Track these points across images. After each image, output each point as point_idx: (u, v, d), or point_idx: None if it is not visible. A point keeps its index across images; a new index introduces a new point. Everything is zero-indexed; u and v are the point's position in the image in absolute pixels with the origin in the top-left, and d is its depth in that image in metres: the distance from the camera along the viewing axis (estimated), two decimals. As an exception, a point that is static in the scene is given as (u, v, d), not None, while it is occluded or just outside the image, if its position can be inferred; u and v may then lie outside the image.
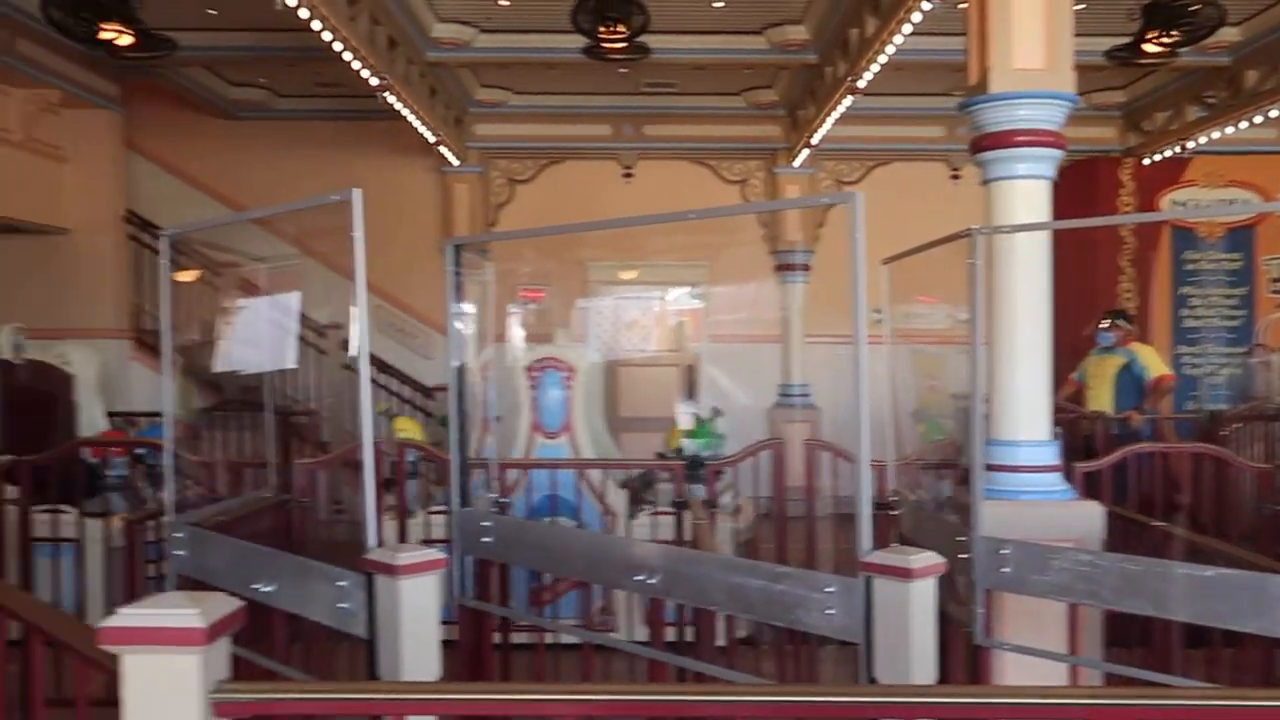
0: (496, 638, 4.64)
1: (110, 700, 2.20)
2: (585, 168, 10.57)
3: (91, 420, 6.86)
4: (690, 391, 10.52)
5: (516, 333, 10.51)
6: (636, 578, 3.32)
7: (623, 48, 6.77)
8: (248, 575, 3.25)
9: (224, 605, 1.63)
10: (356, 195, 2.87)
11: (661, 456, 6.17)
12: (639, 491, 5.88)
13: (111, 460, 6.00)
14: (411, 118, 8.23)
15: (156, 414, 8.50)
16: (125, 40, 6.19)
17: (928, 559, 2.72)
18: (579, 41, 7.09)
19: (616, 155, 10.49)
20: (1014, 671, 3.86)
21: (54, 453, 5.48)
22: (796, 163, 10.12)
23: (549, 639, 4.78)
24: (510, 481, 5.50)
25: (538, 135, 10.28)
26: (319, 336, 9.44)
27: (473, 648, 4.47)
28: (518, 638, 4.86)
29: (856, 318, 2.71)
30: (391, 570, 2.74)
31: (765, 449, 5.64)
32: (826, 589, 2.81)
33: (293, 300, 4.67)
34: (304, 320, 7.74)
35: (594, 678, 4.53)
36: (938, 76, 8.45)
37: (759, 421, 9.99)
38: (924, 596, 2.69)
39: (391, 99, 7.52)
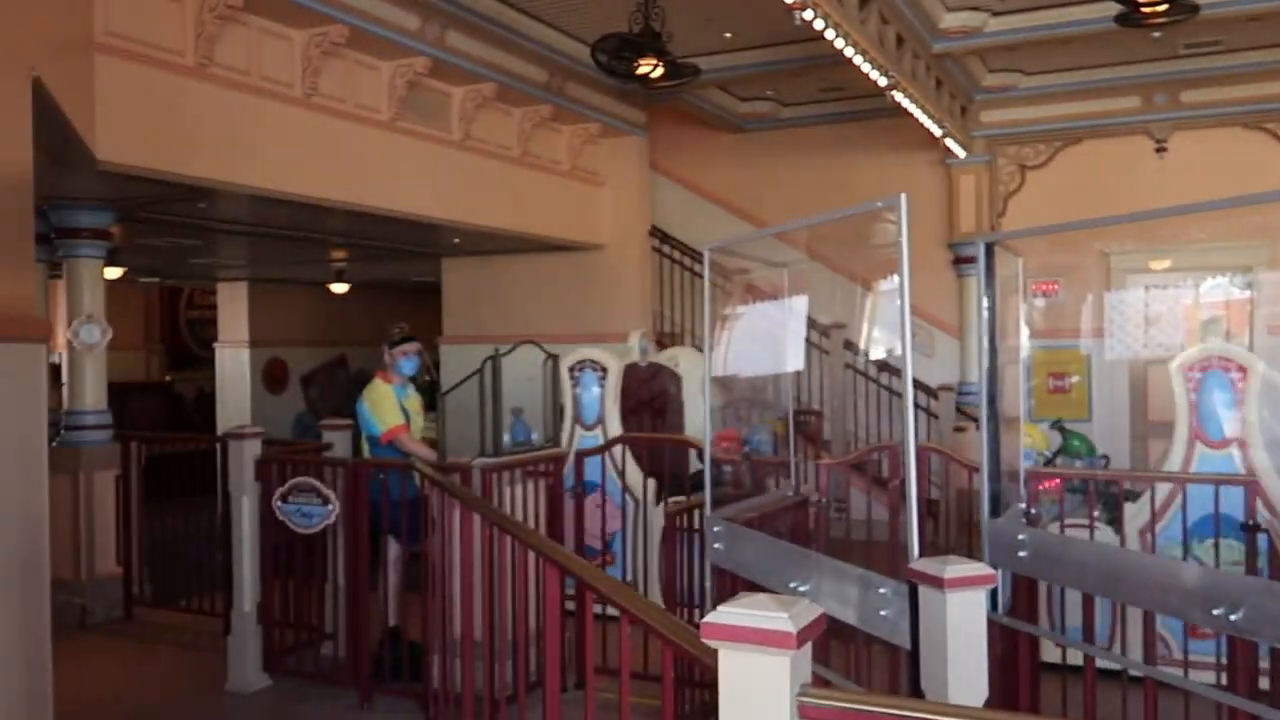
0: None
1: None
2: (1108, 146, 9.60)
3: (694, 418, 7.55)
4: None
5: (1029, 326, 9.87)
6: (1214, 611, 2.87)
7: (1165, 10, 5.99)
8: (783, 573, 3.33)
9: (809, 611, 1.63)
10: (903, 200, 2.83)
11: None
12: None
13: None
14: (918, 113, 8.06)
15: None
16: (658, 72, 6.76)
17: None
18: (1108, 10, 6.43)
19: (1147, 128, 9.39)
20: None
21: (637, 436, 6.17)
22: (1394, 116, 8.30)
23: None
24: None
25: (1052, 116, 9.55)
26: (822, 337, 9.63)
27: (1002, 667, 4.20)
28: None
29: None
30: (938, 583, 2.62)
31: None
32: None
33: (800, 304, 4.75)
34: (809, 322, 7.94)
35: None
36: None
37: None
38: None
39: (899, 96, 7.43)
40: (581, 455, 5.98)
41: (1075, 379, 9.80)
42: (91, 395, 6.57)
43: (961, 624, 2.61)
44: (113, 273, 9.92)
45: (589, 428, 6.69)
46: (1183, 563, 3.18)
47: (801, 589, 3.17)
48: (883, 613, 2.83)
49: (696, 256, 9.78)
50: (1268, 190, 3.00)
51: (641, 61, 6.66)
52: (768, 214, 10.48)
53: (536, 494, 5.26)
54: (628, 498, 6.55)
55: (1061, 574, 3.60)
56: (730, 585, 3.69)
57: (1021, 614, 3.97)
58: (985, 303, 3.85)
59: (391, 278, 14.70)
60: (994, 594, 3.72)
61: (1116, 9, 6.29)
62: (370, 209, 7.26)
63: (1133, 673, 4.17)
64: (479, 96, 7.89)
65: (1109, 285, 9.54)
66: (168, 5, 5.64)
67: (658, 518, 6.05)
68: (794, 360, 5.00)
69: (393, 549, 5.39)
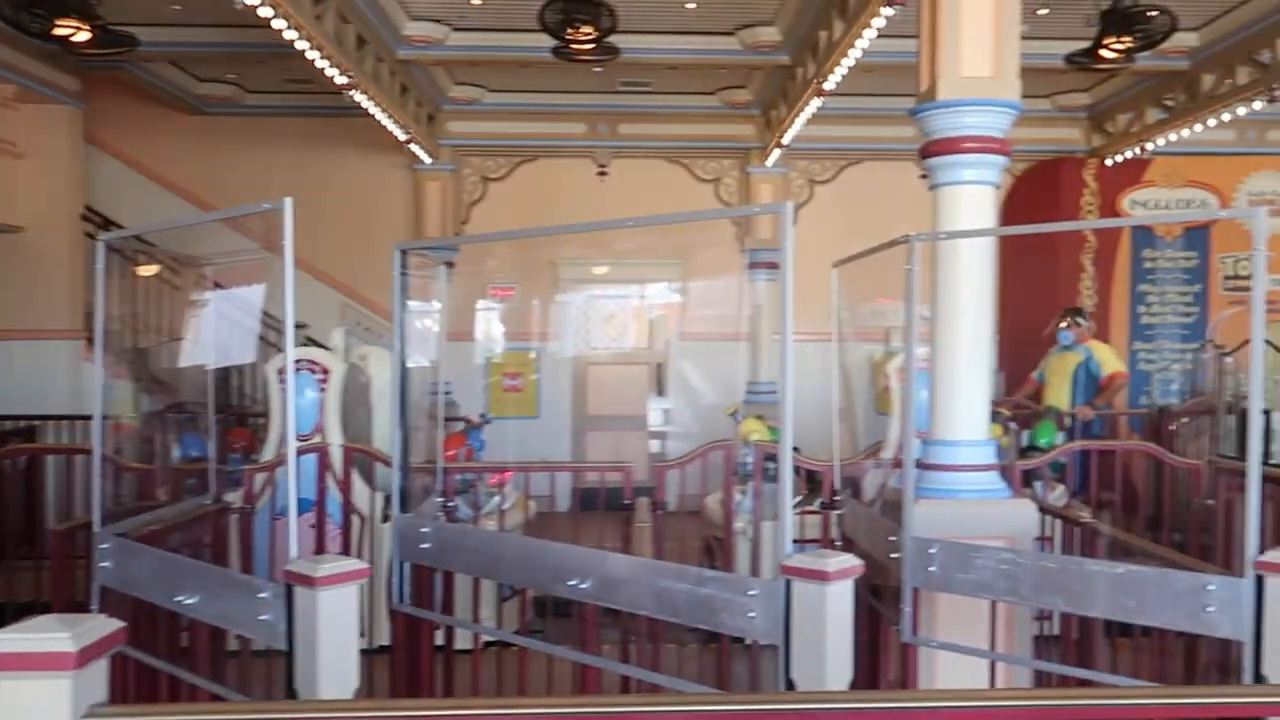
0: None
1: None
2: (559, 166, 10.51)
3: (383, 423, 6.43)
4: (660, 389, 10.54)
5: (486, 330, 10.53)
6: (569, 583, 3.32)
7: (590, 49, 6.73)
8: (171, 587, 3.20)
9: (102, 627, 1.60)
10: (287, 204, 2.88)
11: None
12: None
13: None
14: (381, 116, 8.16)
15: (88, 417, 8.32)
16: (82, 36, 6.10)
17: (844, 561, 2.72)
18: (550, 41, 7.05)
19: (591, 153, 10.43)
20: (947, 670, 3.89)
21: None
22: (769, 162, 10.11)
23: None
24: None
25: (511, 133, 10.22)
26: (280, 335, 9.32)
27: (409, 656, 4.46)
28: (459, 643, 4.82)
29: (785, 319, 2.71)
30: (310, 581, 2.71)
31: (716, 449, 5.63)
32: (749, 592, 2.81)
33: (254, 295, 4.62)
34: (266, 316, 7.59)
35: (539, 683, 4.54)
36: (905, 78, 8.36)
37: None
38: (841, 599, 2.69)
39: (359, 97, 7.46)
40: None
41: (533, 377, 10.64)
42: None
43: (333, 620, 2.73)
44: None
45: (305, 437, 5.80)
46: (547, 543, 3.62)
47: (188, 602, 3.09)
48: (263, 617, 2.85)
49: (140, 249, 8.90)
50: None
51: (61, 22, 5.96)
52: (232, 204, 9.90)
53: None
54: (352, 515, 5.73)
55: (457, 561, 3.90)
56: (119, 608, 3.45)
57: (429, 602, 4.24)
58: (398, 309, 4.07)
59: None
60: (401, 586, 3.95)
61: (554, 42, 6.93)
62: None
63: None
64: None
65: (558, 291, 10.51)
66: None
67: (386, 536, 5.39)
68: (243, 353, 4.82)
69: None
